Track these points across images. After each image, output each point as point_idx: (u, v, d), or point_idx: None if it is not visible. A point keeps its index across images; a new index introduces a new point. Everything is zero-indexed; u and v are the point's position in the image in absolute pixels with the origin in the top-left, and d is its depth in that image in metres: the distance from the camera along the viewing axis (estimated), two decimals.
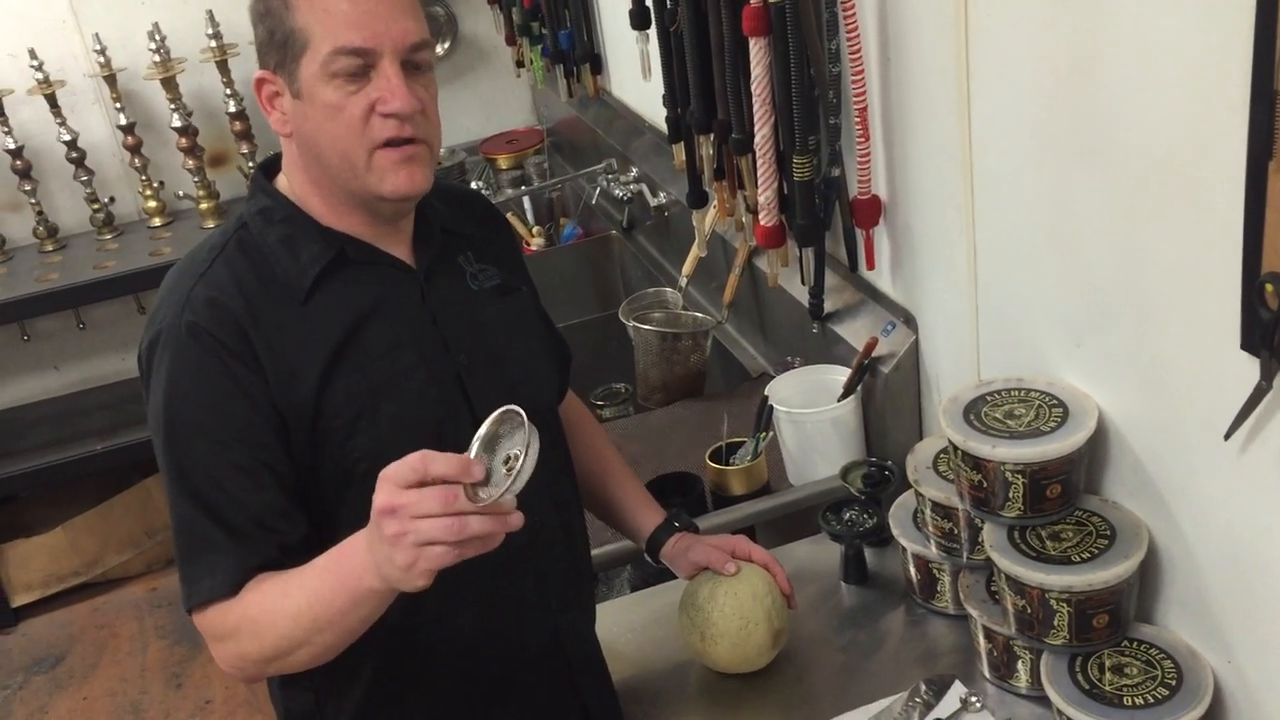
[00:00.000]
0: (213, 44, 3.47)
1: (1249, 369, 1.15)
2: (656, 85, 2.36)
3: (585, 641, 1.50)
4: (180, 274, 1.30)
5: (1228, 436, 1.20)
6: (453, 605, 1.34)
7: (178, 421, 1.24)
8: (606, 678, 1.53)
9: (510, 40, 3.56)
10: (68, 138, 3.49)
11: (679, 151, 2.32)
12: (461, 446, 1.32)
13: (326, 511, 1.29)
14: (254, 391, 1.24)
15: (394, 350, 1.30)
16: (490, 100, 4.00)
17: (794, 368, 2.05)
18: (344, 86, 1.22)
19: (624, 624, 1.69)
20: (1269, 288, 1.09)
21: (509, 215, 3.47)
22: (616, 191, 3.01)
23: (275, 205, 1.31)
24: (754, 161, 1.94)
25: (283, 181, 1.33)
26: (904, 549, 1.62)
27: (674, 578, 1.66)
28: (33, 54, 3.38)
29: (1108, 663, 1.37)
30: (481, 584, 1.36)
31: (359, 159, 1.24)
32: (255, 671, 1.27)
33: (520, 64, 3.57)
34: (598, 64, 3.11)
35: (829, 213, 1.89)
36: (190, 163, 3.56)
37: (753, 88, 1.86)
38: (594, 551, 1.78)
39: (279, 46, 1.23)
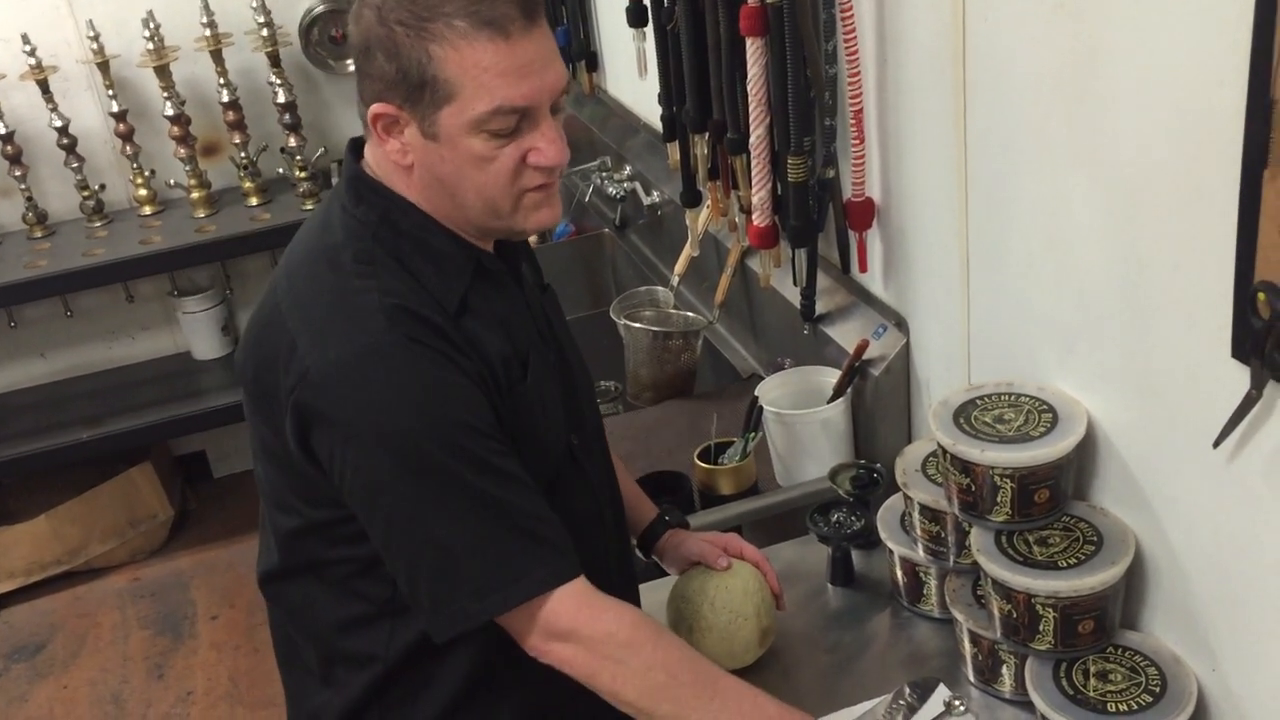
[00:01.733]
0: (207, 33, 3.45)
1: (1239, 377, 1.15)
2: (652, 84, 2.36)
3: None
4: (341, 291, 1.21)
5: (1217, 444, 1.20)
6: None
7: (435, 431, 1.17)
8: None
9: None
10: (59, 124, 3.47)
11: (673, 150, 2.31)
12: (569, 447, 1.33)
13: None
14: (482, 386, 1.20)
15: (530, 353, 1.28)
16: None
17: (784, 369, 2.05)
18: (494, 138, 1.17)
19: None
20: (1261, 296, 1.09)
21: None
22: (610, 189, 3.01)
23: (395, 209, 1.24)
24: (748, 161, 1.94)
25: (384, 174, 1.26)
26: (891, 552, 1.62)
27: (659, 575, 1.66)
28: (25, 39, 3.36)
29: (1092, 669, 1.37)
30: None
31: (506, 204, 1.22)
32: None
33: None
34: (594, 61, 3.11)
35: (822, 214, 1.89)
36: (182, 152, 3.54)
37: (749, 87, 1.86)
38: None
39: (413, 87, 1.15)
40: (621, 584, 1.47)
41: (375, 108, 1.18)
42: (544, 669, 1.25)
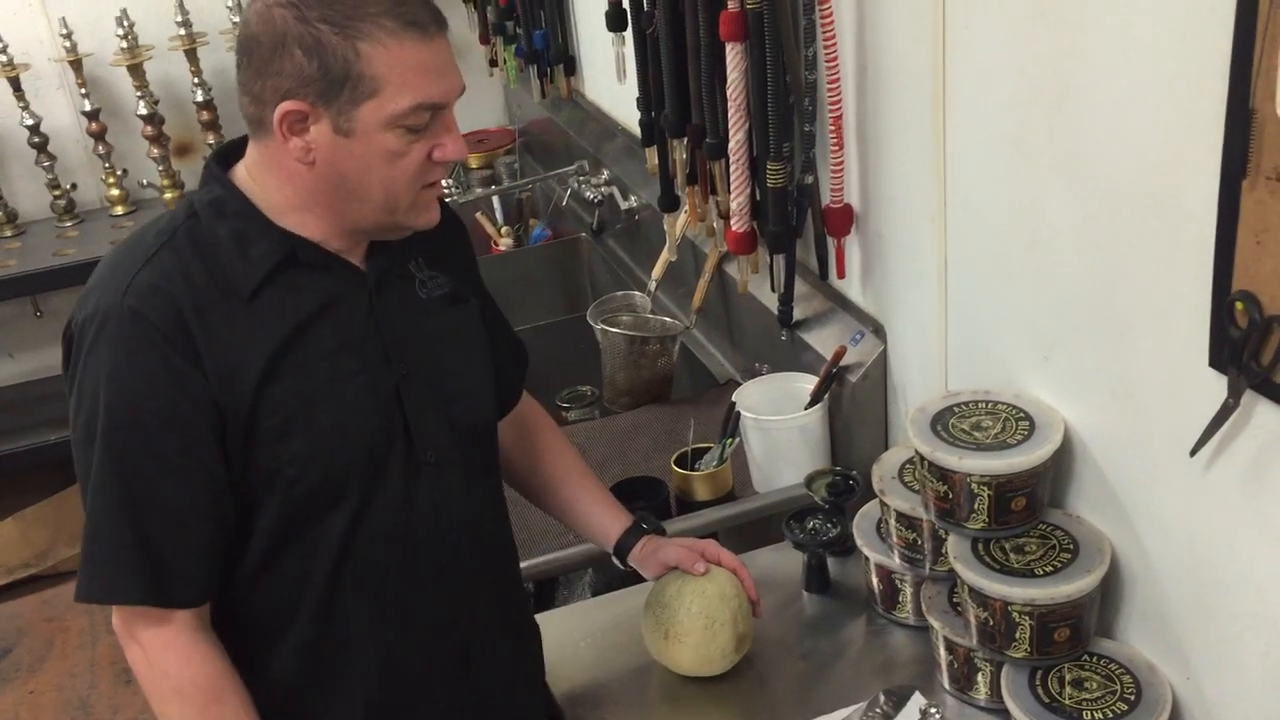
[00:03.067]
0: (182, 32, 3.43)
1: (1217, 386, 1.16)
2: (630, 88, 2.35)
3: (498, 658, 1.45)
4: (124, 257, 1.27)
5: (1193, 453, 1.20)
6: (364, 623, 1.33)
7: (112, 409, 1.21)
8: (530, 695, 1.50)
9: (484, 39, 3.55)
10: (31, 122, 3.43)
11: (652, 155, 2.31)
12: (391, 459, 1.31)
13: (242, 516, 1.27)
14: (191, 385, 1.22)
15: (335, 354, 1.28)
16: (462, 99, 3.94)
17: (762, 375, 2.05)
18: (407, 134, 1.21)
19: (583, 629, 1.68)
20: (1239, 305, 1.09)
21: (478, 215, 3.45)
22: (587, 194, 3.00)
23: (228, 197, 1.28)
24: (727, 167, 1.94)
25: (241, 174, 1.29)
26: (867, 559, 1.62)
27: (635, 583, 1.65)
28: None
29: (1068, 676, 1.37)
30: (400, 600, 1.34)
31: (405, 200, 1.25)
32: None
33: (493, 63, 3.55)
34: (571, 65, 3.10)
35: (801, 220, 1.89)
36: (155, 151, 3.52)
37: (728, 92, 1.86)
38: (554, 555, 1.78)
39: (334, 84, 1.17)
40: (470, 616, 1.41)
41: (286, 105, 1.20)
42: (372, 664, 1.34)
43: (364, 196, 1.24)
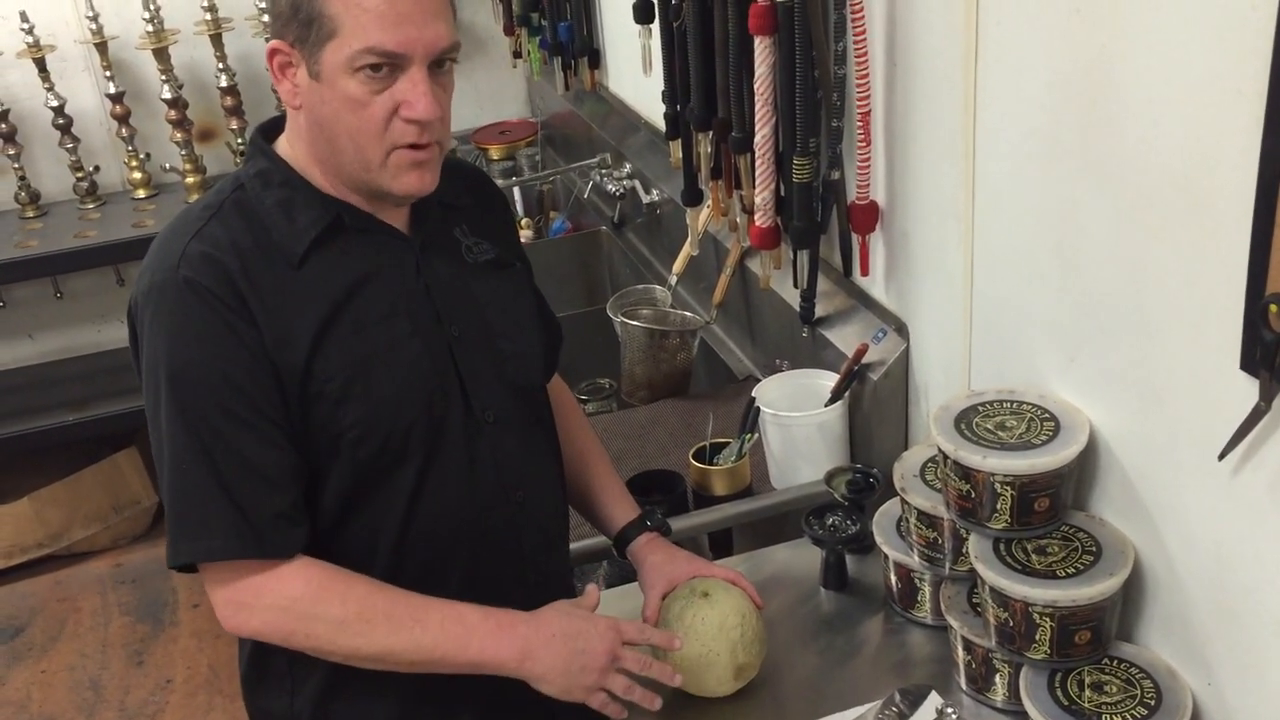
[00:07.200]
0: (207, 17, 3.43)
1: (1247, 390, 1.14)
2: (654, 81, 2.34)
3: None
4: (174, 231, 1.29)
5: (1221, 457, 1.19)
6: (433, 579, 1.34)
7: (182, 376, 1.22)
8: None
9: (508, 30, 3.54)
10: (55, 103, 3.44)
11: (676, 148, 2.30)
12: (450, 419, 1.30)
13: (308, 486, 1.29)
14: (254, 345, 1.23)
15: (389, 318, 1.30)
16: (485, 90, 3.97)
17: (782, 371, 2.04)
18: (369, 83, 1.21)
19: None
20: (1274, 308, 1.08)
21: None
22: (609, 187, 3.00)
23: (273, 168, 1.30)
24: (752, 161, 1.93)
25: (283, 145, 1.32)
26: (886, 557, 1.61)
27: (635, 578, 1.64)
28: (24, 16, 3.34)
29: (1087, 680, 1.36)
30: (467, 559, 1.36)
31: (374, 156, 1.25)
32: (265, 637, 1.29)
33: (517, 55, 3.55)
34: (596, 58, 3.10)
35: (826, 216, 1.88)
36: (178, 136, 3.52)
37: (755, 86, 1.85)
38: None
39: (303, 24, 1.20)
40: (533, 571, 1.44)
41: (271, 44, 1.24)
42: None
43: (338, 145, 1.25)
